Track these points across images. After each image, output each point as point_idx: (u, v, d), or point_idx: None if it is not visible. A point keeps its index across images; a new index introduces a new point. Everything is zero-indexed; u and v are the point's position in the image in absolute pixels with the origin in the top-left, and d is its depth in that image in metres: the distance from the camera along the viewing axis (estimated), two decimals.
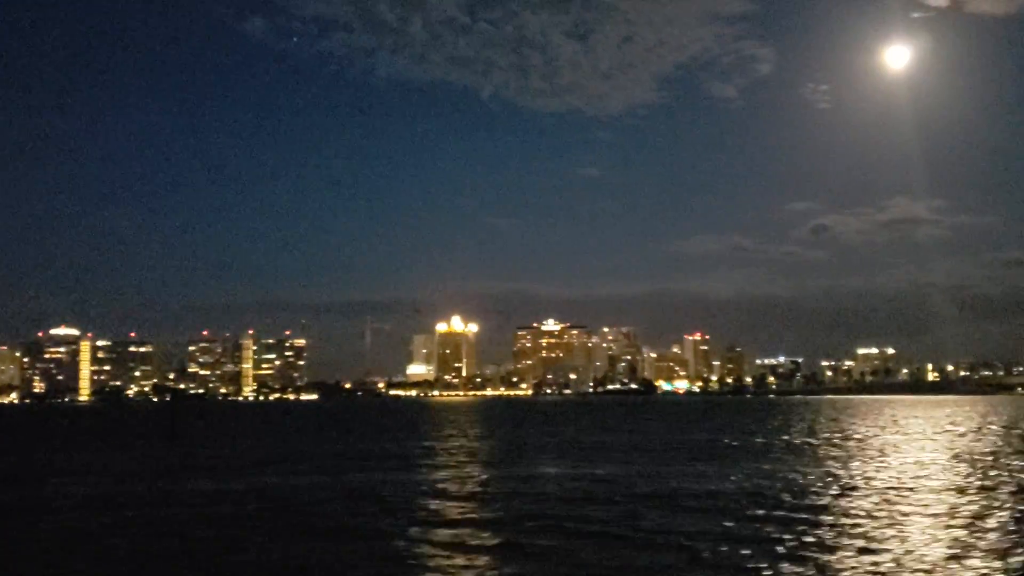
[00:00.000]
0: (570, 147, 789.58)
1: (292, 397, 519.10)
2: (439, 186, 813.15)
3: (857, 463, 49.94)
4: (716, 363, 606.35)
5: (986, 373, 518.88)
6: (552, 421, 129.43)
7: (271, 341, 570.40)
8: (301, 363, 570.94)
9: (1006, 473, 43.28)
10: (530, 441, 77.76)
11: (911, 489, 36.47)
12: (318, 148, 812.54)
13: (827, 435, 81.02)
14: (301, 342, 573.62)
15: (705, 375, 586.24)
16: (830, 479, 41.03)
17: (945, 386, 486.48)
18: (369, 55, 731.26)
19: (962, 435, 78.66)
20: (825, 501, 33.29)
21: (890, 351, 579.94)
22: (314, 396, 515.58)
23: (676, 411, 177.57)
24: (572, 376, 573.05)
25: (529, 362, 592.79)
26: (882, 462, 50.74)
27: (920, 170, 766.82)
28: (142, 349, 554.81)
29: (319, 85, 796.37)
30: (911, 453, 57.42)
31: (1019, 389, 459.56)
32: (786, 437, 78.61)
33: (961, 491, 35.76)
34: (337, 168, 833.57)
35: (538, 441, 77.16)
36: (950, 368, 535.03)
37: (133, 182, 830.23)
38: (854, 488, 37.34)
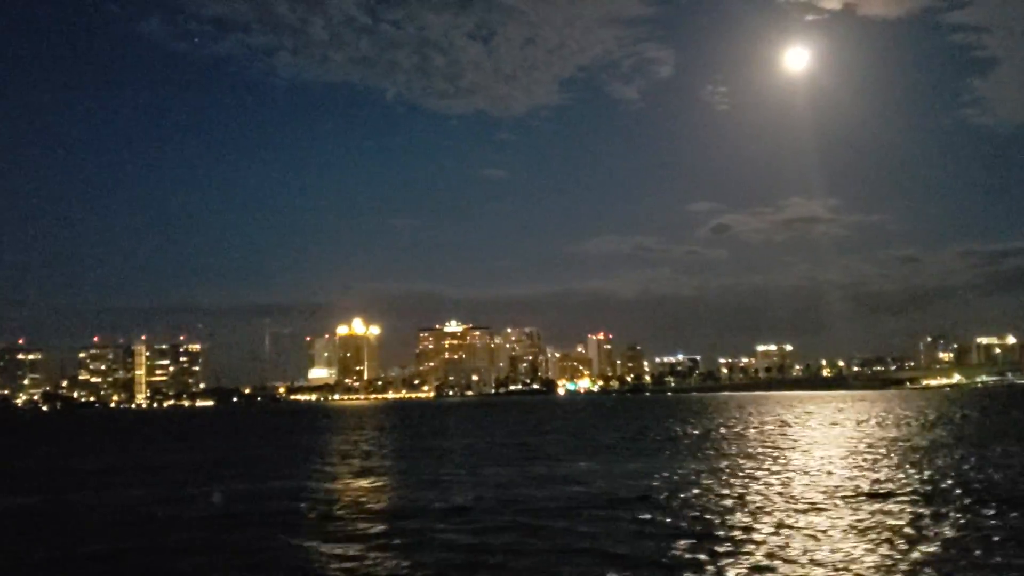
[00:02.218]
0: (474, 148, 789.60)
1: (187, 404, 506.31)
2: (342, 187, 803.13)
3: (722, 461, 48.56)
4: (619, 362, 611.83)
5: (878, 368, 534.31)
6: (431, 424, 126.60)
7: (165, 346, 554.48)
8: (197, 369, 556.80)
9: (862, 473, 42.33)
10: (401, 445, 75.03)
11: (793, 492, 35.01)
12: (217, 150, 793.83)
13: (695, 431, 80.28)
14: (196, 347, 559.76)
15: (609, 374, 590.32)
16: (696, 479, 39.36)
17: (839, 381, 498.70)
18: (269, 56, 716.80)
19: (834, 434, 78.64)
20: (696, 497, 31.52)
21: (788, 348, 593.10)
22: (211, 402, 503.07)
23: (560, 411, 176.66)
24: (474, 377, 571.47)
25: (431, 364, 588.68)
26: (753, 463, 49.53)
27: (817, 170, 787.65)
28: (31, 356, 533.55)
29: (218, 86, 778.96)
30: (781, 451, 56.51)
31: (908, 384, 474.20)
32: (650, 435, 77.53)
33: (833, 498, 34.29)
34: (236, 169, 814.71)
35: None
36: (844, 364, 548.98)
37: (21, 183, 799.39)
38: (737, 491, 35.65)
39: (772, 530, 24.78)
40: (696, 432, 79.31)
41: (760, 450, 54.42)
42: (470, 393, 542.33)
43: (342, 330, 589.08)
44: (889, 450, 51.87)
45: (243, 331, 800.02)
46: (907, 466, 41.63)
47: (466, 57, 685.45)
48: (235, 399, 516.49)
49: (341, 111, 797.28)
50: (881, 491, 32.33)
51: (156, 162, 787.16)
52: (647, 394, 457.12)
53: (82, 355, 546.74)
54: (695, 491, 33.86)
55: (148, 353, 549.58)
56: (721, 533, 24.58)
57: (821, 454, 50.38)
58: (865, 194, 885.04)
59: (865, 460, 45.53)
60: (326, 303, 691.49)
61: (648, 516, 27.85)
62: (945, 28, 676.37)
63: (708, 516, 27.66)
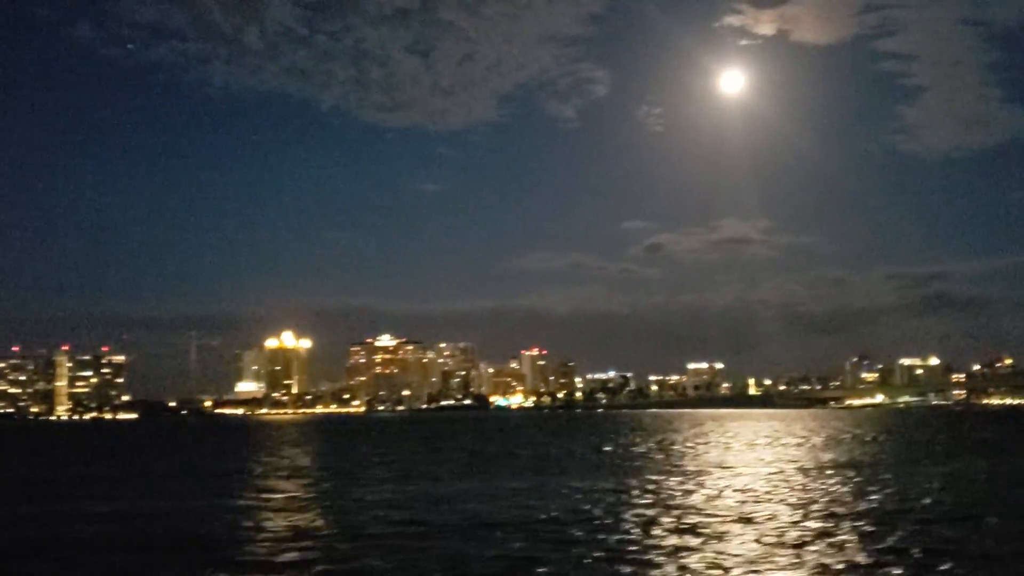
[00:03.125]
0: (411, 162, 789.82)
1: (110, 416, 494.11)
2: (275, 199, 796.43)
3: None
4: (552, 378, 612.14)
5: (804, 387, 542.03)
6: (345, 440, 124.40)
7: (88, 357, 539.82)
8: (120, 381, 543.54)
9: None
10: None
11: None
12: (148, 157, 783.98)
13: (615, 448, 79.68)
14: (120, 358, 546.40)
15: (542, 390, 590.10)
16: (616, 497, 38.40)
17: (766, 400, 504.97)
18: (204, 64, 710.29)
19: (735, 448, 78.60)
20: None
21: (719, 366, 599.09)
22: (134, 415, 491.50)
23: (489, 427, 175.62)
24: (406, 392, 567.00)
25: (363, 378, 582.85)
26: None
27: (750, 192, 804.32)
28: None
29: (151, 94, 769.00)
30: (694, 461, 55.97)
31: (832, 403, 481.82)
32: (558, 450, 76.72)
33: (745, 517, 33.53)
34: (167, 178, 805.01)
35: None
36: (771, 382, 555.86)
37: None
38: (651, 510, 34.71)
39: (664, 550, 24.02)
40: (609, 449, 78.74)
41: (665, 467, 53.95)
42: (402, 408, 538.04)
43: (271, 343, 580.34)
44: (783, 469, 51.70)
45: (170, 343, 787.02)
46: (807, 487, 41.25)
47: (403, 71, 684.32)
48: (160, 412, 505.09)
49: (276, 122, 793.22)
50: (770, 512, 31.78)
51: (84, 168, 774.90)
52: (578, 410, 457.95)
53: (1, 365, 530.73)
54: (598, 511, 32.90)
55: (70, 364, 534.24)
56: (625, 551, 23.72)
57: (719, 475, 49.97)
58: (796, 216, 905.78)
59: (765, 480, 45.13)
60: (256, 315, 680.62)
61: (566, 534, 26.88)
62: (875, 55, 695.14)
63: (606, 535, 26.70)
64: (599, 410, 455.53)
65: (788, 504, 33.96)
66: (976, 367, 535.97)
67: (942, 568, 21.17)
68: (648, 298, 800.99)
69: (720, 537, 26.02)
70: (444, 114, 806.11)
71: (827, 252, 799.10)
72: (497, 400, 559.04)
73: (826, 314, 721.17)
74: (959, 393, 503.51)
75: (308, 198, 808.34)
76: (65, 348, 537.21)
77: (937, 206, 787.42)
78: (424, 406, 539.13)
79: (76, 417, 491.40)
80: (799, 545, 24.30)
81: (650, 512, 32.23)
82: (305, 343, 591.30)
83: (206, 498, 41.37)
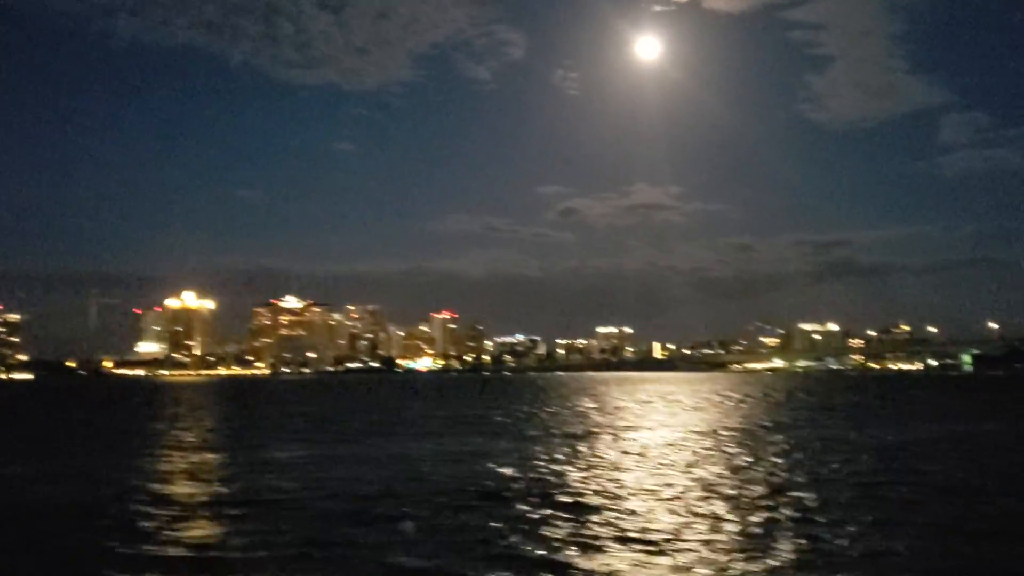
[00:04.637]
0: (324, 121, 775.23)
1: (4, 376, 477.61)
2: (182, 156, 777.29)
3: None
4: (463, 342, 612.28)
5: (707, 352, 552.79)
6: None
7: None
8: (16, 340, 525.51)
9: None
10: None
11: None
12: (50, 111, 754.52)
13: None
14: (16, 317, 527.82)
15: (451, 353, 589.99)
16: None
17: (671, 364, 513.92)
18: (109, 15, 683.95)
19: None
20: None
21: (628, 330, 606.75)
22: (29, 375, 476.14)
23: (392, 390, 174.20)
24: (312, 355, 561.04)
25: (267, 340, 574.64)
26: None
27: (662, 158, 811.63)
28: None
29: (53, 45, 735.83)
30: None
31: (734, 366, 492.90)
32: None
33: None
34: (69, 132, 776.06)
35: None
36: (675, 347, 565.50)
37: None
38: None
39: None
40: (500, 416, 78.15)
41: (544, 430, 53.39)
42: (307, 371, 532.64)
43: (173, 303, 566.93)
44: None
45: (69, 302, 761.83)
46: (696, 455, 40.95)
47: (316, 27, 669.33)
48: (58, 373, 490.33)
49: (183, 77, 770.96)
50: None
51: None
52: (486, 373, 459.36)
53: None
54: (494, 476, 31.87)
55: None
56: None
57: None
58: (707, 183, 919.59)
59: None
60: (160, 275, 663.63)
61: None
62: (784, 24, 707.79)
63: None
64: (506, 373, 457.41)
65: (673, 470, 33.48)
66: (873, 333, 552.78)
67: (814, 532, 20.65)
68: (561, 262, 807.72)
69: (596, 508, 25.21)
70: (358, 73, 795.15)
71: (735, 219, 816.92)
72: (406, 363, 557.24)
73: (733, 279, 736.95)
74: (856, 358, 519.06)
75: (216, 156, 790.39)
76: None
77: (843, 175, 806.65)
78: (330, 368, 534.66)
79: None
80: (691, 512, 23.59)
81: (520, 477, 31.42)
82: (209, 304, 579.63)
83: (97, 462, 39.08)
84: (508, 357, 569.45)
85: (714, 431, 52.12)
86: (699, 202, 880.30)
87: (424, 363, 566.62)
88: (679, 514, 22.94)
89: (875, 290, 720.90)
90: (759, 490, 26.95)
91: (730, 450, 40.11)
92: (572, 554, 18.62)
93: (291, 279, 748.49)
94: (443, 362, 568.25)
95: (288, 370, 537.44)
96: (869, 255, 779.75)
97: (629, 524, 21.63)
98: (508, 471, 32.67)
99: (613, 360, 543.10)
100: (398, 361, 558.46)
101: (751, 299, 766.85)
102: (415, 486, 28.90)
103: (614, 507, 24.08)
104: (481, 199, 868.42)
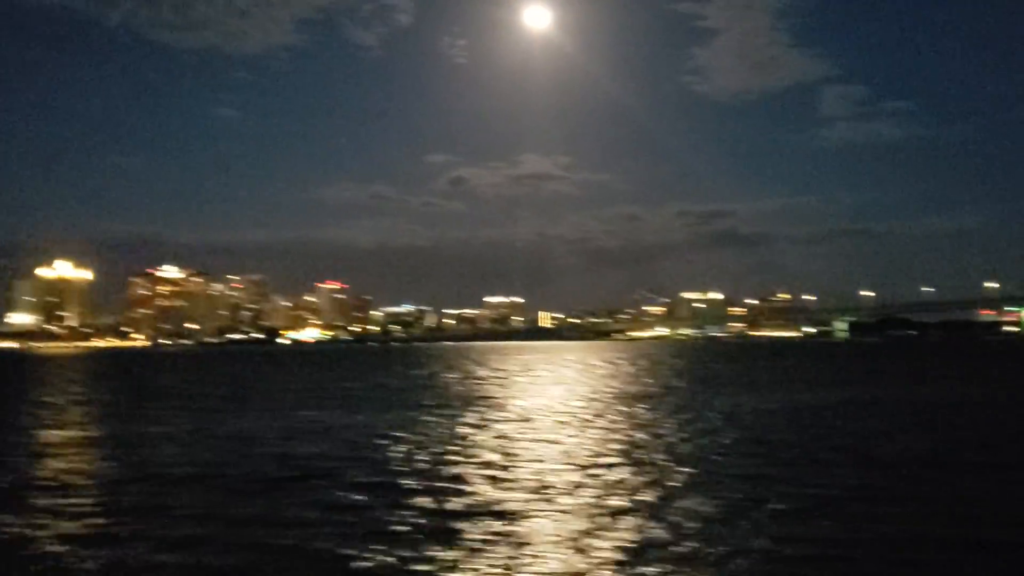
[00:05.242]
0: (206, 85, 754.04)
1: None
2: (57, 120, 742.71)
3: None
4: (350, 312, 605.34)
5: (594, 320, 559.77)
6: None
7: None
8: None
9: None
10: None
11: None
12: None
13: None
14: None
15: (339, 324, 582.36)
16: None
17: (557, 333, 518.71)
18: None
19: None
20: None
21: (517, 300, 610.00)
22: None
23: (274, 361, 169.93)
24: (192, 326, 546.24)
25: (146, 311, 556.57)
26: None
27: (551, 128, 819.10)
28: None
29: None
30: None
31: (618, 335, 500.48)
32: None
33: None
34: None
35: None
36: (562, 316, 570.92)
37: None
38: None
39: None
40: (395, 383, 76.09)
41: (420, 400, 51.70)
42: (187, 342, 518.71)
43: (47, 273, 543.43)
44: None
45: None
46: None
47: None
48: None
49: (58, 38, 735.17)
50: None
51: None
52: (372, 344, 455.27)
53: None
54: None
55: None
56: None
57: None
58: (595, 153, 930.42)
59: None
60: (33, 243, 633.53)
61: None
62: None
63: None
64: (394, 344, 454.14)
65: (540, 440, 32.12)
66: (754, 301, 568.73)
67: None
68: (451, 232, 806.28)
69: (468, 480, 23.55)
70: (241, 36, 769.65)
71: (622, 189, 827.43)
72: (291, 334, 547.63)
73: (620, 249, 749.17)
74: (737, 326, 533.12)
75: (93, 121, 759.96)
76: None
77: (726, 146, 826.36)
78: (211, 340, 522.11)
79: None
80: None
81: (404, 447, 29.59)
82: (85, 273, 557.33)
83: None
84: (396, 327, 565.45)
85: (567, 402, 51.28)
86: (587, 172, 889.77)
87: (310, 334, 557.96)
88: (512, 490, 21.57)
89: (757, 259, 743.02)
90: (603, 460, 25.81)
91: (582, 418, 39.17)
92: (373, 548, 16.89)
93: (171, 248, 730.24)
94: (330, 333, 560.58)
95: (167, 342, 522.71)
96: (751, 225, 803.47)
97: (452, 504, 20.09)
98: (344, 449, 30.85)
99: (501, 330, 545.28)
100: (283, 332, 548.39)
101: (638, 268, 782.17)
102: (232, 468, 26.79)
103: (433, 485, 22.51)
104: (369, 167, 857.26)
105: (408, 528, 18.22)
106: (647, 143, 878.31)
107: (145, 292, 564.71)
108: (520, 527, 18.02)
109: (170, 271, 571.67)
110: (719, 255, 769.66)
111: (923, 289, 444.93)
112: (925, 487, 22.03)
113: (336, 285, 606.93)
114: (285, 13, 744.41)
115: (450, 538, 17.21)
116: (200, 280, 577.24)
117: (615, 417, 41.06)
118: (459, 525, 18.21)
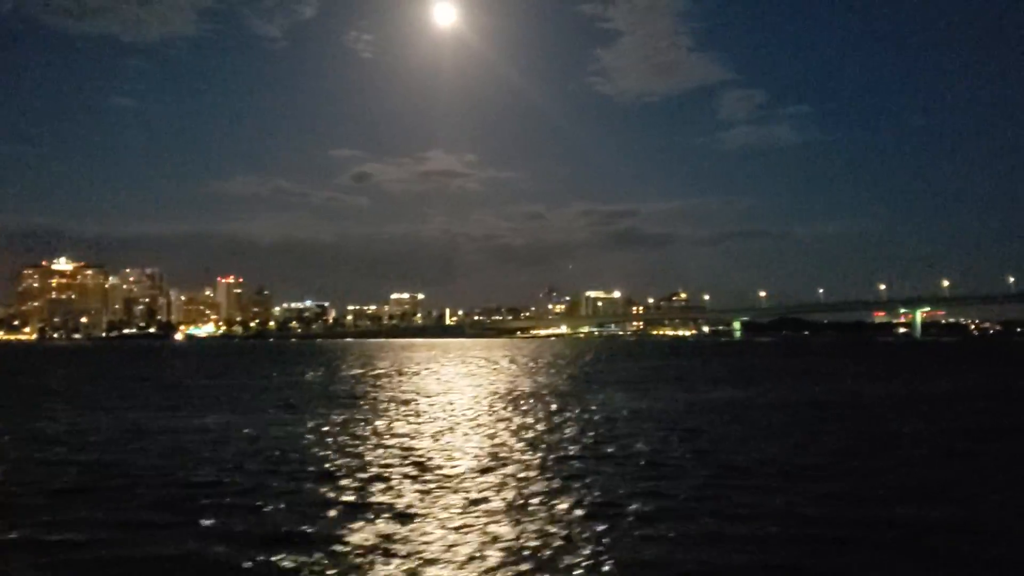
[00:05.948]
0: (101, 74, 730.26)
1: None
2: None
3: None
4: (248, 307, 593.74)
5: (496, 318, 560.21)
6: None
7: None
8: None
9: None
10: None
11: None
12: None
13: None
14: None
15: (239, 319, 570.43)
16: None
17: (460, 330, 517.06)
18: None
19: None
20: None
21: (421, 297, 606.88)
22: None
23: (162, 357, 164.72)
24: (83, 320, 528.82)
25: (36, 304, 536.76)
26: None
27: (457, 125, 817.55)
28: None
29: None
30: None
31: (519, 333, 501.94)
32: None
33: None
34: None
35: None
36: (464, 313, 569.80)
37: None
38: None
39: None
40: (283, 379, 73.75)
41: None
42: (78, 336, 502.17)
43: None
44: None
45: None
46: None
47: None
48: None
49: None
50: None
51: None
52: (271, 340, 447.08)
53: None
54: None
55: None
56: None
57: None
58: (500, 151, 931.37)
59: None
60: None
61: None
62: None
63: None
64: (292, 340, 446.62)
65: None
66: (653, 300, 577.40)
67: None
68: (356, 227, 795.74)
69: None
70: (139, 24, 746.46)
71: (527, 187, 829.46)
72: (188, 330, 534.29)
73: (524, 247, 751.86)
74: (636, 324, 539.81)
75: None
76: None
77: (630, 147, 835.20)
78: (104, 334, 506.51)
79: None
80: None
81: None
82: None
83: None
84: (295, 323, 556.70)
85: (449, 400, 50.33)
86: (493, 170, 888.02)
87: (206, 329, 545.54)
88: (393, 488, 20.36)
89: (658, 259, 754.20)
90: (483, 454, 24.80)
91: (466, 416, 38.22)
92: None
93: (64, 240, 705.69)
94: (226, 328, 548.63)
95: (58, 335, 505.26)
96: (653, 225, 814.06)
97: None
98: (156, 457, 29.16)
99: (403, 326, 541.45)
100: (180, 327, 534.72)
101: (541, 267, 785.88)
102: (42, 471, 24.91)
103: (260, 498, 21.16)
104: (271, 161, 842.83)
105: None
106: (552, 142, 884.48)
107: (36, 284, 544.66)
108: (335, 532, 16.87)
109: (62, 263, 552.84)
110: (622, 254, 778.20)
111: (819, 291, 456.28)
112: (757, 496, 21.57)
113: (234, 280, 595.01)
114: (186, 2, 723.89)
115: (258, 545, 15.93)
116: (92, 272, 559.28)
117: (488, 418, 40.22)
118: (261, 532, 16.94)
